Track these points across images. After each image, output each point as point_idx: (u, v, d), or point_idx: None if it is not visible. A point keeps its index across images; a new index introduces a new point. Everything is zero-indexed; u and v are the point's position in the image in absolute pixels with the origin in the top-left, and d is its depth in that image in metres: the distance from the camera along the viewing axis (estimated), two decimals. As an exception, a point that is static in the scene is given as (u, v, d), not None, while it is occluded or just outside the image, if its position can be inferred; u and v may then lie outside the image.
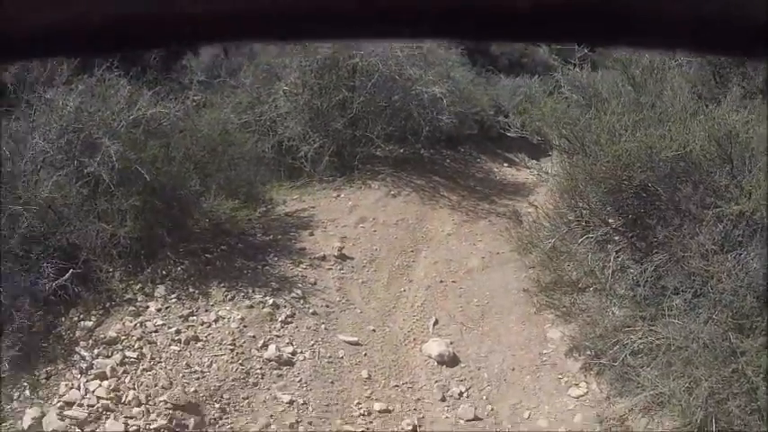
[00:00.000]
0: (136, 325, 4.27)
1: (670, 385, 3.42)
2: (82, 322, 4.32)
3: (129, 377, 3.92)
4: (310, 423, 3.87)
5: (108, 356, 4.07)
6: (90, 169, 4.48)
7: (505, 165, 7.62)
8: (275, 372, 4.09)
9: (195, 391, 3.88)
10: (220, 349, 4.16)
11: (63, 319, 4.35)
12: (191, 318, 4.40)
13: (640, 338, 3.70)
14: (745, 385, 3.33)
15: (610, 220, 4.31)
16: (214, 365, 4.04)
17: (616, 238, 4.34)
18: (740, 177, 3.58)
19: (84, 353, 4.13)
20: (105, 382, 3.91)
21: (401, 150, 6.50)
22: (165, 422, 3.65)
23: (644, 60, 4.54)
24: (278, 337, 4.34)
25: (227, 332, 4.29)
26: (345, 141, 6.39)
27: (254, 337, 4.30)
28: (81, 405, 3.81)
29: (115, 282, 4.63)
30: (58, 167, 4.59)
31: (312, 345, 4.31)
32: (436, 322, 4.60)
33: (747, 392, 3.34)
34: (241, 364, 4.08)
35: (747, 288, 3.33)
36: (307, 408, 3.92)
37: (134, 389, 3.86)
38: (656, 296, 3.84)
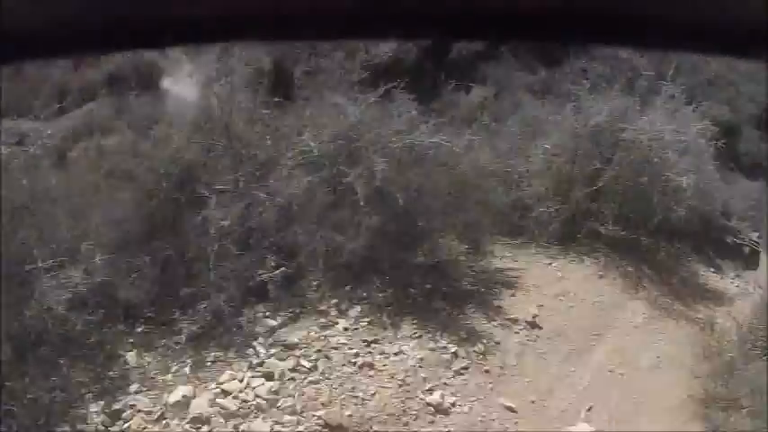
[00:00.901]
0: (320, 337, 5.10)
1: None
2: (266, 320, 5.17)
3: (294, 384, 4.71)
4: None
5: (282, 360, 4.88)
6: (348, 179, 5.35)
7: (711, 269, 8.54)
8: (429, 417, 4.94)
9: (350, 415, 4.65)
10: (389, 382, 4.98)
11: (247, 311, 5.19)
12: (373, 345, 5.28)
13: None
14: None
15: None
16: (377, 396, 4.85)
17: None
18: None
19: (260, 349, 4.93)
20: (269, 383, 4.67)
21: (622, 233, 7.43)
22: (310, 436, 4.05)
23: None
24: (446, 384, 5.19)
25: (401, 367, 5.09)
26: (579, 212, 7.24)
27: (424, 378, 5.13)
28: (236, 397, 4.56)
29: (313, 291, 5.50)
30: (314, 170, 5.53)
31: (473, 401, 5.14)
32: (590, 409, 5.47)
33: None
34: (402, 402, 4.88)
35: None
36: None
37: (293, 397, 4.63)
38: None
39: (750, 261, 7.80)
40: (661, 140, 7.13)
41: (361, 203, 5.44)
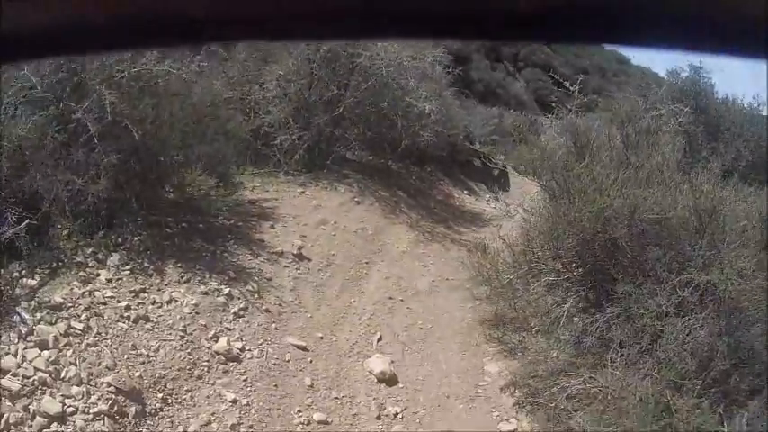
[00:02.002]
0: (84, 293, 6.18)
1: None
2: (24, 279, 6.01)
3: (71, 350, 5.56)
4: (251, 426, 5.91)
5: (51, 323, 5.73)
6: (77, 116, 6.56)
7: (465, 192, 11.41)
8: (222, 366, 6.28)
9: (140, 376, 5.71)
10: (170, 334, 6.26)
11: (1, 271, 5.93)
12: (142, 294, 6.57)
13: (579, 384, 6.51)
14: None
15: (571, 267, 7.57)
16: (161, 351, 6.06)
17: (573, 285, 7.56)
18: (714, 251, 6.68)
19: (25, 315, 5.72)
20: (46, 353, 5.45)
21: (371, 158, 9.87)
22: (105, 407, 5.31)
23: (642, 123, 8.17)
24: (229, 329, 6.72)
25: (178, 316, 6.46)
26: (323, 138, 9.46)
27: (205, 325, 6.55)
28: (16, 375, 5.22)
29: (65, 241, 6.65)
30: (40, 107, 6.55)
31: (261, 343, 6.77)
32: (380, 338, 7.44)
33: None
34: (189, 354, 6.17)
35: (690, 352, 6.24)
36: (249, 409, 6.03)
37: (75, 364, 5.46)
38: (600, 347, 6.83)
39: (502, 183, 10.46)
40: (399, 66, 9.68)
41: (96, 141, 6.65)
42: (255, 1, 0.94)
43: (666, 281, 6.80)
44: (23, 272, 6.07)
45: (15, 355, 5.36)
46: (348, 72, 9.97)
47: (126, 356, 5.84)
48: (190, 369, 6.10)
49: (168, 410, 5.70)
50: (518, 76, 25.24)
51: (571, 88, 9.01)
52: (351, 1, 0.93)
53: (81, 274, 6.40)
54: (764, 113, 11.67)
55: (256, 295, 7.29)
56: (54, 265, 6.35)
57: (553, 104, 9.83)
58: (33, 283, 6.05)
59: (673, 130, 9.20)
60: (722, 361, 6.39)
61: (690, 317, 6.57)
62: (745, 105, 11.56)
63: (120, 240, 6.98)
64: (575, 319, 7.48)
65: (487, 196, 11.78)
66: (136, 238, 7.07)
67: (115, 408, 5.37)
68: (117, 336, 5.97)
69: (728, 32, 0.88)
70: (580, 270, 7.77)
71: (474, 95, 13.68)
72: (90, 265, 6.59)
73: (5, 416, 5.03)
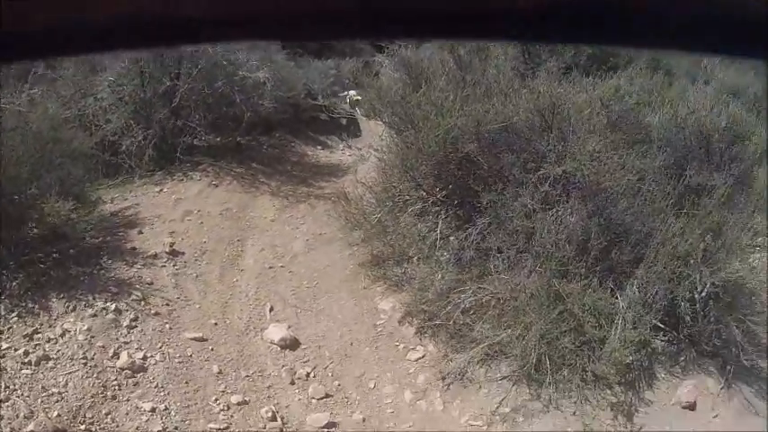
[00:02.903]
0: None
1: (503, 335, 6.51)
2: None
3: None
4: (176, 428, 6.20)
5: None
6: None
7: (319, 147, 11.86)
8: (131, 380, 6.52)
9: (58, 415, 5.94)
10: (73, 365, 6.47)
11: None
12: (36, 336, 6.70)
13: (470, 297, 6.98)
14: (573, 323, 6.39)
15: (434, 191, 7.98)
16: (70, 384, 6.27)
17: (440, 208, 8.00)
18: (562, 144, 7.20)
19: None
20: None
21: (218, 139, 10.11)
22: (37, 455, 5.56)
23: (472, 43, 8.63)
24: (126, 343, 6.91)
25: (75, 346, 6.66)
26: (167, 133, 9.75)
27: (103, 347, 6.76)
28: None
29: None
30: None
31: (160, 347, 7.00)
32: (272, 308, 7.81)
33: (575, 329, 6.39)
34: (97, 378, 6.40)
35: (566, 240, 6.75)
36: (169, 413, 6.30)
37: None
38: (481, 258, 7.32)
39: (352, 131, 10.83)
40: (226, 45, 9.68)
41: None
42: (254, 1, 0.97)
43: (526, 181, 7.32)
44: None
45: None
46: (177, 61, 10.23)
47: (39, 400, 6.05)
48: (102, 393, 6.33)
49: (96, 437, 5.92)
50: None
51: None
52: (349, 1, 0.95)
53: (-31, 332, 6.52)
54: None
55: (143, 302, 7.53)
56: (-60, 331, 6.39)
57: (384, 45, 10.33)
58: None
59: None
60: (598, 240, 6.92)
61: (557, 208, 7.13)
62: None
63: (-2, 290, 7.07)
64: (450, 238, 7.96)
65: (341, 146, 12.41)
66: (14, 284, 7.19)
67: (44, 451, 5.59)
68: (24, 383, 6.18)
69: (729, 33, 0.90)
70: (443, 192, 8.23)
71: (308, 53, 14.01)
72: (-24, 322, 6.71)
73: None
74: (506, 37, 1.08)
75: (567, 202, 7.16)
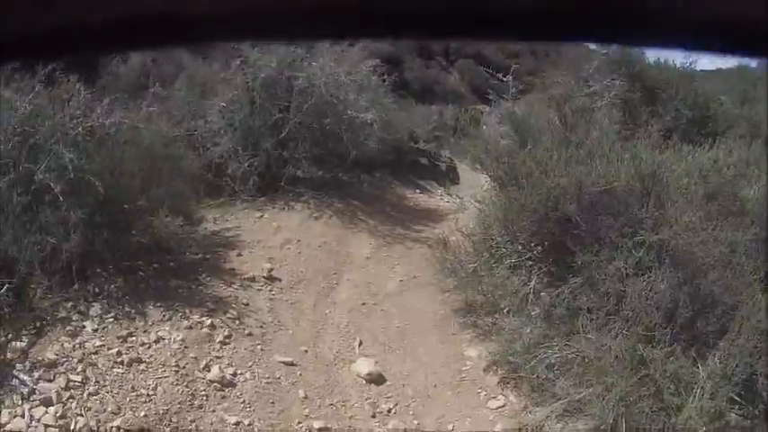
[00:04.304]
0: (75, 346, 6.75)
1: (584, 393, 6.51)
2: (12, 343, 6.48)
3: (75, 402, 6.10)
4: None
5: (50, 380, 6.23)
6: (39, 177, 7.21)
7: (417, 191, 12.61)
8: (219, 393, 6.85)
9: (145, 416, 6.26)
10: (164, 371, 6.83)
11: None
12: (130, 338, 7.11)
13: (555, 353, 7.14)
14: (652, 388, 6.38)
15: (531, 246, 8.27)
16: (159, 388, 6.61)
17: (534, 264, 8.29)
18: (661, 211, 7.46)
19: (23, 376, 6.20)
20: (52, 409, 5.96)
21: (321, 173, 11.00)
22: (118, 449, 5.90)
23: (576, 102, 9.12)
24: (218, 357, 7.30)
25: (168, 353, 7.06)
26: (273, 161, 10.55)
27: (195, 358, 7.13)
28: None
29: (43, 299, 7.18)
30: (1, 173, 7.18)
31: (251, 366, 7.42)
32: (361, 343, 8.20)
33: (654, 394, 6.37)
34: (186, 386, 6.74)
35: (655, 306, 6.95)
36: (252, 429, 6.57)
37: (83, 415, 6.00)
38: (570, 316, 7.51)
39: (452, 177, 11.30)
40: (337, 83, 10.84)
41: (61, 199, 7.22)
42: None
43: (622, 245, 7.52)
44: (9, 336, 6.53)
45: (23, 417, 5.84)
46: (288, 94, 11.00)
47: (128, 399, 6.42)
48: (190, 401, 6.70)
49: (179, 442, 6.29)
50: (452, 69, 26.27)
51: (504, 79, 9.93)
52: (349, 1, 0.96)
53: (68, 328, 7.00)
54: (698, 69, 12.42)
55: (237, 321, 8.01)
56: (38, 324, 6.88)
57: (489, 96, 10.87)
58: (22, 345, 6.54)
59: (608, 104, 10.13)
60: (685, 309, 7.02)
61: (649, 274, 7.27)
62: (678, 65, 12.31)
63: (96, 291, 7.62)
64: (542, 294, 8.18)
65: (439, 192, 12.97)
66: (112, 286, 7.73)
67: (127, 448, 5.98)
68: (115, 381, 6.56)
69: (729, 33, 0.92)
70: (539, 248, 8.45)
71: (412, 96, 14.74)
72: (74, 318, 7.22)
73: (25, 476, 5.56)
74: (507, 37, 1.07)
75: (659, 268, 7.32)
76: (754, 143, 9.98)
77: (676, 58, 12.22)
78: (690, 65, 12.14)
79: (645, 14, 0.93)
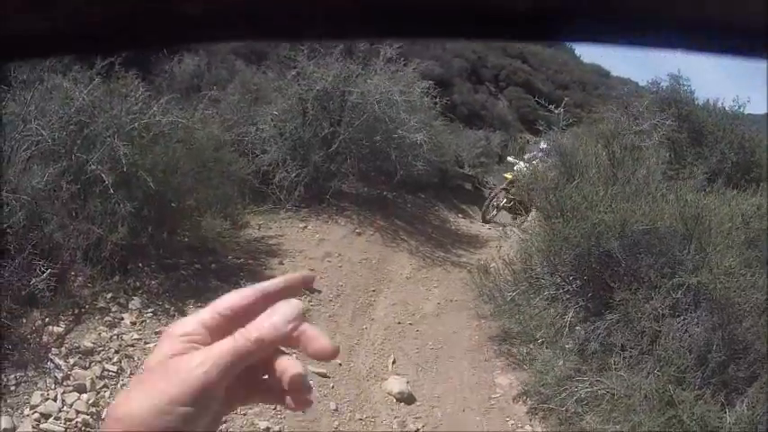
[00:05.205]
0: (112, 337, 7.03)
1: (610, 429, 6.69)
2: (50, 327, 6.71)
3: (109, 392, 6.26)
4: None
5: (86, 368, 6.44)
6: (92, 167, 7.50)
7: (460, 216, 12.88)
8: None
9: None
10: None
11: (23, 320, 6.56)
12: None
13: (586, 387, 7.32)
14: (679, 429, 6.53)
15: (570, 280, 8.54)
16: None
17: (572, 297, 8.55)
18: (702, 254, 7.66)
19: (58, 361, 6.37)
20: (84, 396, 6.10)
21: (366, 189, 11.34)
22: (147, 443, 6.63)
23: (625, 139, 9.35)
24: None
25: None
26: (320, 174, 10.82)
27: None
28: (58, 419, 5.83)
29: (85, 287, 7.47)
30: (52, 159, 7.43)
31: None
32: (395, 361, 8.40)
33: None
34: None
35: (688, 348, 7.15)
36: None
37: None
38: (604, 352, 7.74)
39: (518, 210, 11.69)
40: (390, 101, 11.09)
41: (111, 191, 7.55)
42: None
43: (660, 285, 7.67)
44: (47, 320, 6.72)
45: (55, 400, 5.99)
46: (340, 108, 11.30)
47: (160, 394, 6.64)
48: (222, 403, 6.89)
49: (204, 440, 6.52)
50: (500, 96, 26.60)
51: (555, 111, 10.23)
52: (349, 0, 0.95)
53: (106, 319, 7.27)
54: (746, 112, 12.52)
55: (275, 329, 8.12)
56: (77, 311, 7.14)
57: (540, 127, 11.12)
58: (60, 330, 6.78)
59: (656, 143, 10.29)
60: (718, 354, 7.19)
61: (685, 316, 7.46)
62: (726, 108, 12.34)
63: (137, 284, 7.85)
64: (577, 328, 8.36)
65: (499, 219, 13.05)
66: (153, 282, 7.96)
67: (157, 443, 6.24)
68: (150, 375, 6.76)
69: (729, 33, 0.91)
70: (578, 282, 8.66)
71: (459, 119, 15.07)
72: (113, 309, 7.48)
73: (55, 458, 5.76)
74: (507, 37, 0.97)
75: (696, 311, 7.51)
76: (795, 191, 10.08)
77: (726, 100, 12.31)
78: (738, 108, 12.21)
79: (643, 14, 0.88)
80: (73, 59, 8.06)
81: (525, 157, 13.58)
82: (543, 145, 12.92)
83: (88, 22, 0.90)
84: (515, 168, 13.01)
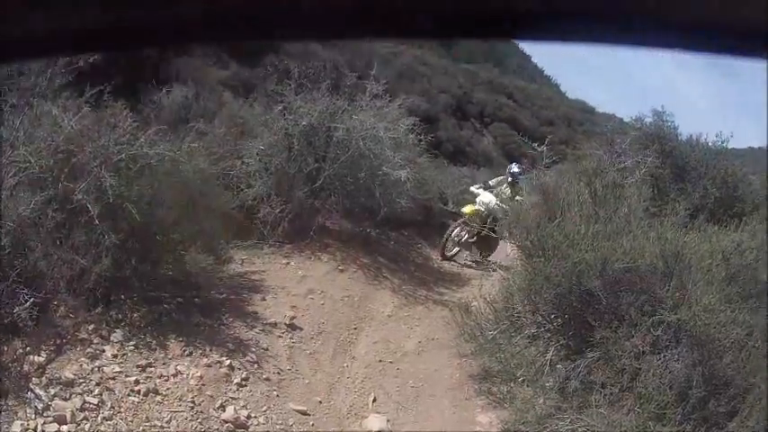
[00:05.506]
0: (93, 369, 6.94)
1: None
2: (31, 356, 6.62)
3: (89, 424, 6.27)
4: None
5: (66, 399, 6.41)
6: (78, 197, 7.51)
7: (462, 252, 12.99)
8: None
9: None
10: (180, 405, 7.03)
11: (5, 348, 6.48)
12: (149, 369, 7.30)
13: (567, 425, 7.28)
14: None
15: (551, 318, 8.57)
16: (173, 422, 6.81)
17: (553, 335, 8.55)
18: (682, 291, 7.67)
19: (39, 391, 6.34)
20: (64, 427, 6.11)
21: (350, 226, 11.49)
22: (124, 477, 6.13)
23: (608, 177, 9.45)
24: (234, 399, 7.40)
25: (185, 388, 7.25)
26: (304, 210, 10.94)
27: (212, 396, 7.31)
28: None
29: (67, 318, 7.46)
30: (39, 187, 7.45)
31: (265, 410, 7.58)
32: (375, 399, 8.38)
33: None
34: (200, 423, 6.95)
35: (668, 385, 7.13)
36: None
37: None
38: (584, 389, 7.71)
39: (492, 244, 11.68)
40: (375, 138, 11.23)
41: (96, 222, 7.48)
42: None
43: (640, 323, 7.74)
44: (28, 348, 6.69)
45: (35, 431, 6.00)
46: (325, 144, 11.45)
47: (141, 428, 6.62)
48: (202, 438, 6.93)
49: (186, 480, 6.52)
50: (485, 132, 26.91)
51: (539, 149, 10.39)
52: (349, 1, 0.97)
53: (87, 350, 7.22)
54: (729, 147, 12.64)
55: (256, 365, 8.21)
56: (58, 341, 7.11)
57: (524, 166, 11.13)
58: (41, 359, 6.73)
59: (639, 180, 10.39)
60: (699, 389, 7.27)
61: (665, 353, 7.52)
62: (710, 143, 12.40)
63: (120, 317, 7.85)
64: (557, 366, 8.40)
65: (465, 255, 12.96)
66: (135, 315, 7.97)
67: (134, 477, 6.24)
68: (130, 409, 6.76)
69: (729, 33, 0.93)
70: (559, 320, 8.72)
71: (444, 156, 15.24)
72: (95, 341, 7.44)
73: (34, 490, 5.76)
74: (508, 37, 1.07)
75: (676, 347, 7.57)
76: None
77: (708, 135, 12.42)
78: (721, 143, 12.30)
79: (644, 16, 0.95)
80: (65, 87, 8.17)
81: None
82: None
83: (91, 22, 0.95)
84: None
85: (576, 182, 10.36)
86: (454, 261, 13.57)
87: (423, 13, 0.96)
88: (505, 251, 10.88)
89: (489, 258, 13.03)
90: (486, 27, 1.01)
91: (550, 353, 8.50)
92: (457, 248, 13.55)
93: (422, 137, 12.58)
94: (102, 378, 6.93)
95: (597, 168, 10.45)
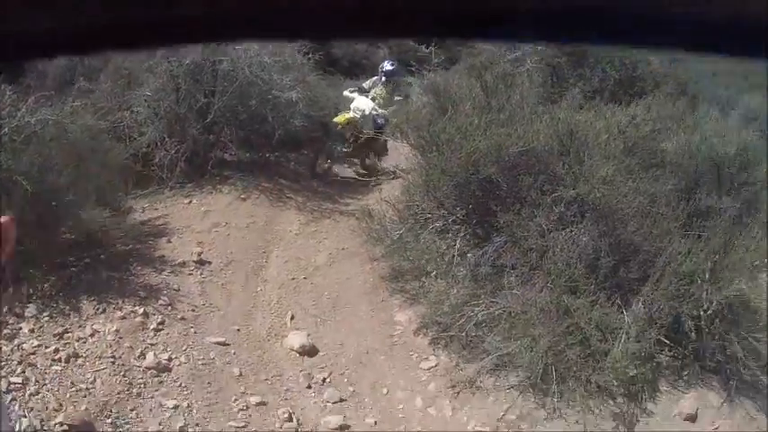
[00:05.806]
0: (12, 349, 7.02)
1: (512, 346, 7.15)
2: None
3: (17, 404, 6.32)
4: (197, 424, 6.81)
5: None
6: None
7: (345, 165, 13.20)
8: (156, 379, 7.21)
9: (86, 409, 6.54)
10: (101, 363, 7.15)
11: None
12: (66, 335, 7.40)
13: (482, 311, 7.63)
14: (579, 336, 7.02)
15: (455, 210, 8.80)
16: (98, 381, 6.93)
17: (459, 227, 8.82)
18: (578, 167, 7.95)
19: None
20: None
21: (248, 155, 11.58)
22: (63, 445, 6.19)
23: (498, 68, 9.56)
24: (152, 344, 7.64)
25: (104, 345, 7.39)
26: (199, 147, 10.99)
27: (130, 347, 7.48)
28: None
29: None
30: None
31: (185, 349, 7.78)
32: (293, 317, 8.62)
33: (581, 342, 7.03)
34: (123, 376, 7.08)
35: (577, 258, 7.44)
36: (191, 410, 6.93)
37: (26, 416, 6.24)
38: (495, 274, 8.04)
39: (378, 149, 11.62)
40: (261, 64, 11.27)
41: (-15, 201, 7.62)
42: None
43: (542, 203, 8.07)
44: None
45: None
46: (212, 79, 11.33)
47: (68, 395, 6.69)
48: (128, 390, 7.02)
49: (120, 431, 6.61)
50: (381, 44, 26.90)
51: (427, 50, 10.66)
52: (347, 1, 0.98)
53: (5, 332, 7.23)
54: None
55: (170, 307, 8.33)
56: (-28, 328, 7.15)
57: (413, 69, 11.39)
58: None
59: (530, 69, 10.72)
60: (607, 259, 7.63)
61: (571, 228, 7.83)
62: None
63: (30, 291, 7.86)
64: (467, 255, 8.65)
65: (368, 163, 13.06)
66: (45, 285, 7.98)
67: (72, 443, 6.33)
68: (54, 379, 6.84)
69: (729, 33, 0.92)
70: (462, 211, 8.98)
71: (340, 72, 15.13)
72: (10, 321, 7.43)
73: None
74: (508, 37, 1.09)
75: (581, 223, 7.86)
76: (679, 100, 10.49)
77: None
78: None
79: (645, 16, 0.95)
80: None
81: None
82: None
83: (91, 22, 0.95)
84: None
85: (466, 77, 10.42)
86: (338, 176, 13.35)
87: (423, 13, 0.98)
88: (404, 153, 10.86)
89: (384, 165, 12.98)
90: (486, 27, 1.02)
91: (458, 243, 8.77)
92: (328, 162, 13.43)
93: (311, 56, 12.57)
94: (22, 356, 6.98)
95: (487, 61, 10.50)
